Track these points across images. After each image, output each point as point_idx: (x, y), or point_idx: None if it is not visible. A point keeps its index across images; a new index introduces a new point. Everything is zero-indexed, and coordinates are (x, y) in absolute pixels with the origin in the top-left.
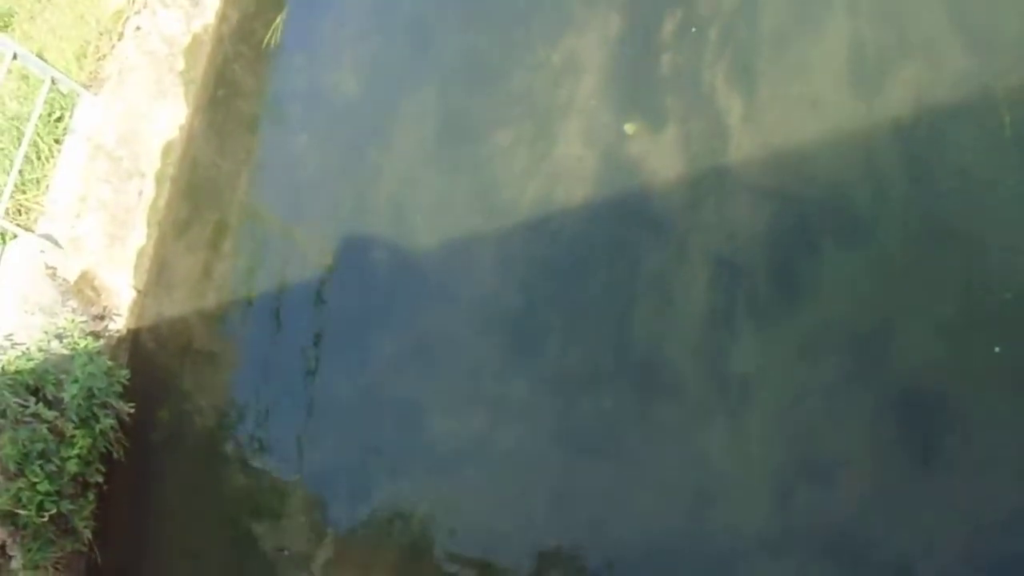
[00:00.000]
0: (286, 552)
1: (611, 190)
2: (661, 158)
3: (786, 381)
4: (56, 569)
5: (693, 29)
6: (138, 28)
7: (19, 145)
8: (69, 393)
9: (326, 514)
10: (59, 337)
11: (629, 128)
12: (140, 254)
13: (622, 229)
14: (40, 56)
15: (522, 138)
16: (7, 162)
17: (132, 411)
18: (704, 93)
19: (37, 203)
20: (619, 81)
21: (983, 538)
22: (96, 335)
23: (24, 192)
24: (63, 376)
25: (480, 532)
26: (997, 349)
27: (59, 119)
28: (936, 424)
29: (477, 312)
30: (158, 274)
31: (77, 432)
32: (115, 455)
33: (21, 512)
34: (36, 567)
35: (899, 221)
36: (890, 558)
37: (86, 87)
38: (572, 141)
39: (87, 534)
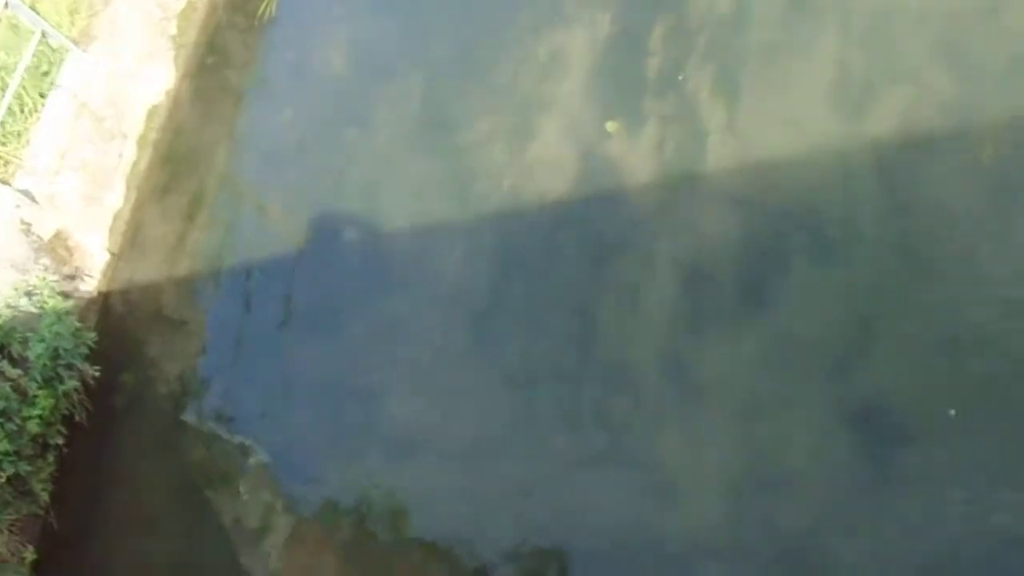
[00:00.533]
0: (241, 526)
1: (586, 188)
2: (638, 160)
3: (746, 390)
4: (11, 532)
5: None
6: None
7: (3, 96)
8: (34, 352)
9: (283, 490)
10: (28, 295)
11: (611, 126)
12: (116, 217)
13: (594, 227)
14: (33, 8)
15: (503, 129)
16: None
17: (97, 374)
18: (687, 100)
19: (16, 157)
20: (603, 81)
21: (934, 556)
22: (66, 295)
23: (4, 144)
24: (30, 334)
25: (433, 519)
26: (952, 404)
27: (46, 73)
28: (893, 442)
29: (445, 300)
30: (133, 238)
31: (40, 392)
32: (77, 417)
33: None
34: None
35: (870, 243)
36: (842, 570)
37: (76, 43)
38: (551, 136)
39: (44, 497)
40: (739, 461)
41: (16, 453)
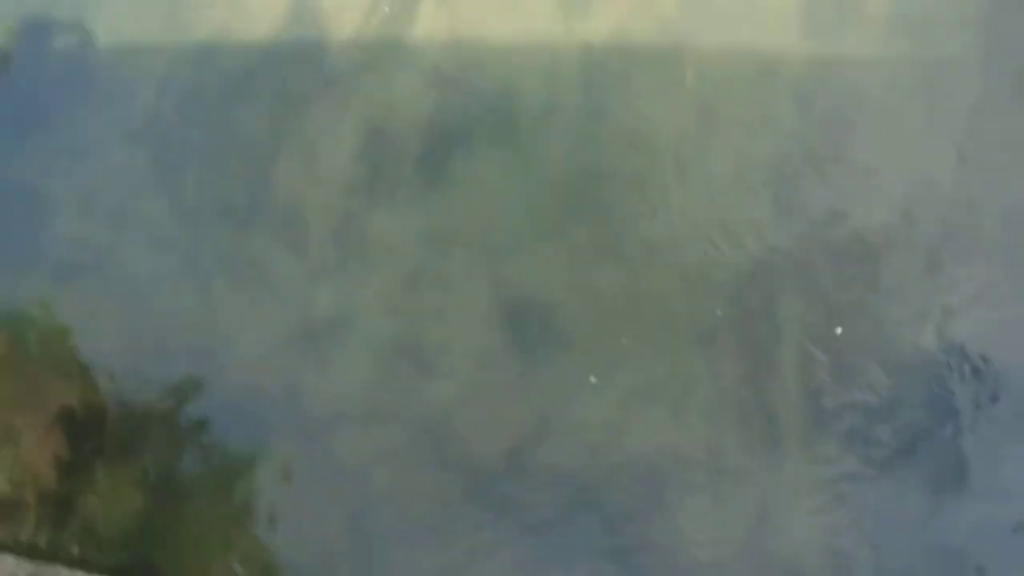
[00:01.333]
0: None
1: (292, 35)
2: (349, 17)
3: (408, 261)
4: None
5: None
6: None
7: None
8: None
9: None
10: None
11: None
12: None
13: (291, 76)
14: None
15: None
16: None
17: None
18: None
19: None
20: None
21: (568, 448)
22: None
23: None
24: None
25: (89, 343)
26: (618, 283)
27: None
28: (544, 339)
29: (133, 124)
30: None
31: None
32: None
33: None
34: None
35: (559, 142)
36: (476, 450)
37: None
38: None
39: None
40: (391, 331)
41: None
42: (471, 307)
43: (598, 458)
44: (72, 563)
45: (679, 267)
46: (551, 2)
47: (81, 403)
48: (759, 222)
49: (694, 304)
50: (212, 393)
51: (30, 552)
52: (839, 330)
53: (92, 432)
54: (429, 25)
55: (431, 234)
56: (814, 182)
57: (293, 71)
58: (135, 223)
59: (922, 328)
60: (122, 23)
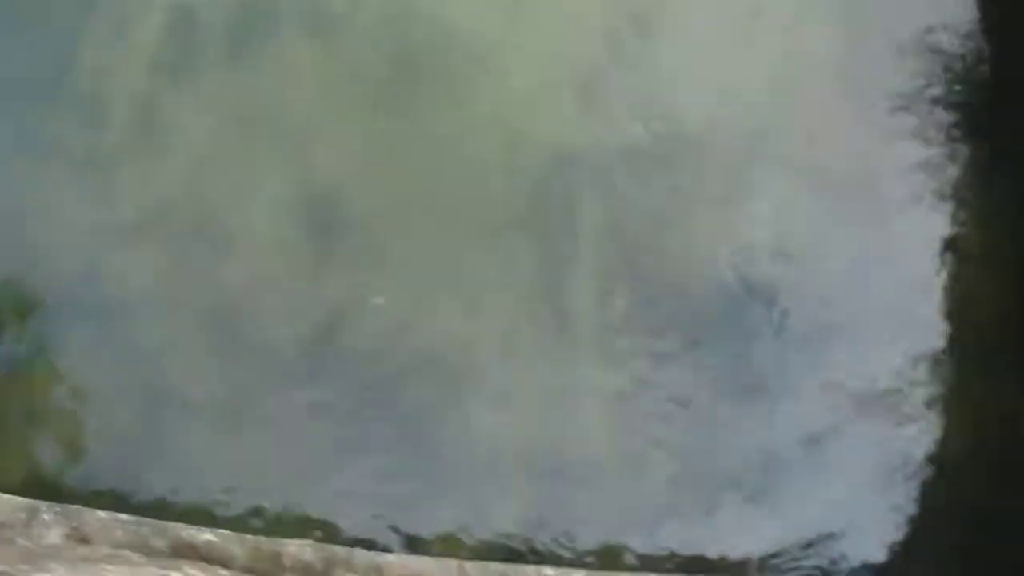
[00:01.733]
0: None
1: None
2: None
3: (210, 144)
4: None
5: None
6: None
7: None
8: None
9: None
10: None
11: None
12: None
13: None
14: None
15: None
16: None
17: None
18: None
19: None
20: None
21: (361, 339)
22: None
23: None
24: None
25: None
26: (417, 174)
27: None
28: (341, 227)
29: None
30: None
31: None
32: None
33: None
34: None
35: (366, 31)
36: (272, 339)
37: None
38: None
39: None
40: (190, 214)
41: None
42: (270, 193)
43: (391, 350)
44: None
45: (479, 162)
46: None
47: None
48: (561, 120)
49: (493, 199)
50: (7, 277)
51: None
52: None
53: None
54: None
55: (234, 118)
56: (619, 86)
57: None
58: None
59: (719, 239)
60: None
